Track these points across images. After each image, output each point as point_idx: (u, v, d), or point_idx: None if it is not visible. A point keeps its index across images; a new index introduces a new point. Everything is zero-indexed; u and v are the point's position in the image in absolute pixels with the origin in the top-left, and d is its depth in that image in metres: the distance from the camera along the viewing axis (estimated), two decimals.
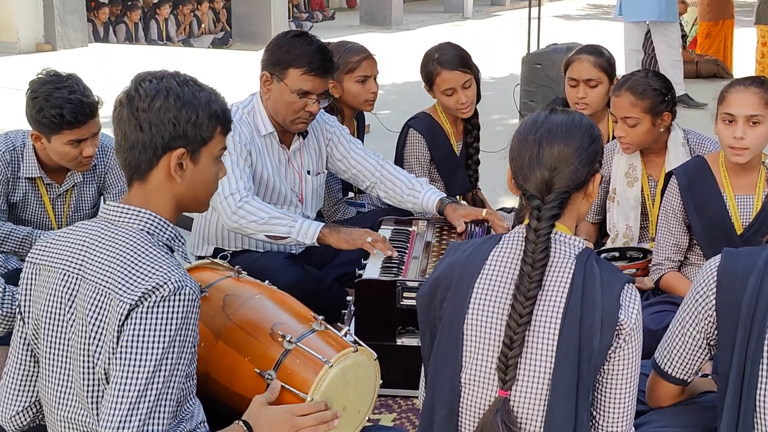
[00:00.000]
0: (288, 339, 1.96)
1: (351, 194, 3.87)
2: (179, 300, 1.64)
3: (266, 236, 2.91)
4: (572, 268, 1.76)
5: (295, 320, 2.06)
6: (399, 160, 3.71)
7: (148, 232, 1.73)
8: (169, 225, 1.77)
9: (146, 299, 1.63)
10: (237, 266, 2.34)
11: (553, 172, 1.77)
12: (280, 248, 3.16)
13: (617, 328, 1.73)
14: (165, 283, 1.64)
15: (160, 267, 1.67)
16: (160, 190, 1.77)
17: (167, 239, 1.76)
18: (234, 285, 2.19)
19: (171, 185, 1.78)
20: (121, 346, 1.63)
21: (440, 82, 3.58)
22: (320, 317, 2.09)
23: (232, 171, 2.93)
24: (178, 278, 1.65)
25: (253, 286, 2.22)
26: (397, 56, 10.03)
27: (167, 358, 1.62)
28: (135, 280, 1.65)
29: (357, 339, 2.04)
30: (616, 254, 3.15)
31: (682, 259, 2.97)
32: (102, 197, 3.35)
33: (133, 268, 1.66)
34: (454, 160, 3.77)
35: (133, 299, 1.63)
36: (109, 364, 1.64)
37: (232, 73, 8.88)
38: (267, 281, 2.36)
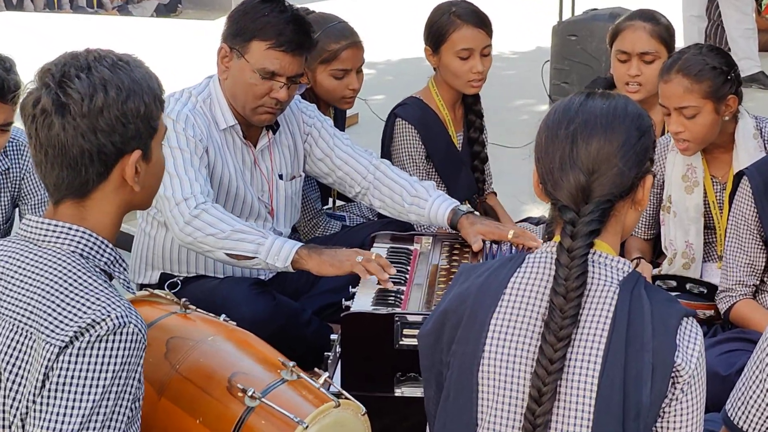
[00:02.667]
0: (250, 393, 1.96)
1: (329, 203, 3.90)
2: (120, 340, 1.66)
3: (227, 255, 2.92)
4: (615, 299, 1.77)
5: (260, 368, 2.07)
6: (385, 159, 3.70)
7: (81, 255, 1.75)
8: (107, 246, 1.79)
9: (79, 338, 1.65)
10: (184, 299, 2.34)
11: (592, 176, 1.77)
12: (245, 272, 3.17)
13: (673, 375, 1.74)
14: (103, 319, 1.66)
15: (98, 299, 1.68)
16: (102, 203, 1.80)
17: (105, 263, 1.78)
18: (180, 324, 2.20)
19: (120, 195, 1.80)
20: (44, 396, 1.64)
21: (456, 40, 3.61)
22: (291, 363, 2.08)
23: (185, 172, 2.96)
24: (120, 313, 1.67)
25: (206, 324, 2.23)
26: (392, 24, 10.04)
27: (98, 414, 1.63)
28: (66, 316, 1.66)
29: (341, 390, 2.06)
30: (673, 284, 3.16)
31: (758, 283, 2.98)
32: (17, 209, 3.35)
33: (62, 301, 1.68)
34: (455, 155, 3.79)
35: (63, 340, 1.65)
36: (26, 416, 1.65)
37: (182, 49, 8.90)
38: (223, 316, 2.36)
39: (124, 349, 1.67)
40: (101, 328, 1.65)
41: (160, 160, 1.88)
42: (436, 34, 3.64)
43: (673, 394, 1.75)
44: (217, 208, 2.95)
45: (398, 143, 3.68)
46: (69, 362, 1.65)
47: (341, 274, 2.89)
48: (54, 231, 1.76)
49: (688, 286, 3.15)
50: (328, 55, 3.59)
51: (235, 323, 2.40)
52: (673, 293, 3.10)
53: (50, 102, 1.75)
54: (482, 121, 3.84)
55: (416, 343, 2.01)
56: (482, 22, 3.62)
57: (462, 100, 3.81)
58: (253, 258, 2.90)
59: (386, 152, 3.72)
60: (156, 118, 1.82)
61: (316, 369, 2.26)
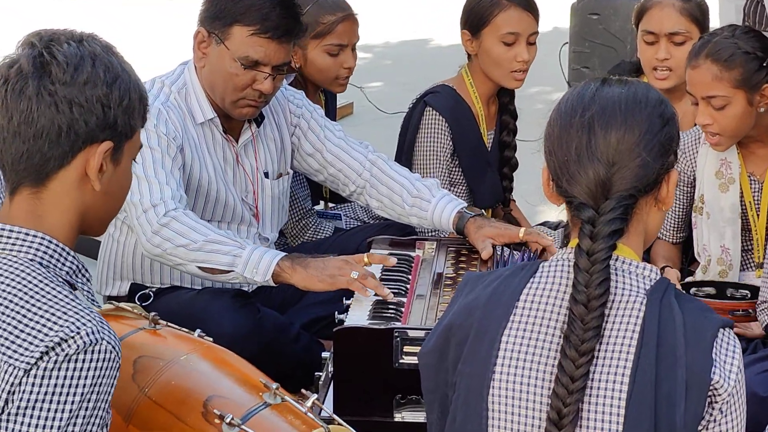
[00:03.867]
0: (228, 420, 1.95)
1: (321, 203, 3.91)
2: (92, 360, 1.67)
3: (199, 269, 2.92)
4: (642, 310, 1.76)
5: (240, 390, 2.06)
6: (405, 153, 3.73)
7: (41, 264, 1.75)
8: (68, 253, 1.79)
9: (44, 359, 1.65)
10: (153, 313, 2.34)
11: (612, 168, 1.78)
12: (225, 284, 3.15)
13: (710, 394, 1.74)
14: (72, 336, 1.66)
15: (65, 313, 1.69)
16: (61, 201, 1.79)
17: (67, 273, 1.78)
18: (149, 341, 2.20)
19: (80, 195, 1.79)
20: (2, 421, 1.65)
21: (501, 23, 3.61)
22: (275, 385, 2.07)
23: (155, 174, 2.95)
24: (91, 329, 1.68)
25: (179, 341, 2.23)
26: (390, 0, 10.08)
27: None
28: (30, 334, 1.67)
29: (332, 414, 2.07)
30: (712, 291, 3.14)
31: None
32: None
33: (25, 317, 1.68)
34: (483, 156, 3.79)
35: (28, 362, 1.65)
36: None
37: (152, 31, 8.89)
38: (198, 332, 2.36)
39: (96, 369, 1.67)
40: (69, 346, 1.66)
41: (128, 172, 1.87)
42: (477, 16, 3.64)
43: (711, 415, 1.75)
44: (189, 215, 2.94)
45: (425, 135, 3.70)
46: (33, 384, 1.65)
47: (332, 289, 2.88)
48: (9, 237, 1.75)
49: (728, 292, 3.14)
50: (322, 28, 3.60)
51: (211, 339, 2.39)
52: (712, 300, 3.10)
53: (30, 63, 1.74)
54: (515, 123, 3.85)
55: (418, 362, 2.01)
56: (530, 6, 3.63)
57: (497, 97, 3.82)
58: (229, 272, 2.89)
59: (407, 144, 3.73)
60: (136, 119, 1.83)
61: (303, 391, 2.26)
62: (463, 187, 3.73)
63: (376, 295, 2.83)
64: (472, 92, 3.74)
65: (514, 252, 3.08)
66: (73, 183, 1.78)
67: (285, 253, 2.92)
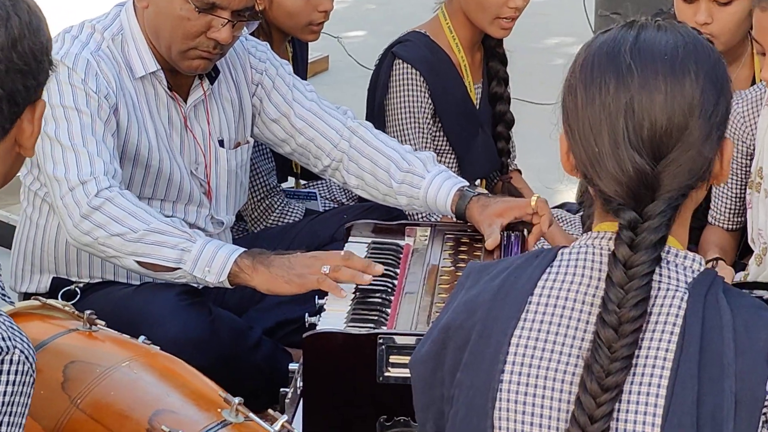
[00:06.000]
0: None
1: (289, 179, 3.93)
2: (2, 371, 1.67)
3: (138, 263, 2.95)
4: (683, 308, 1.77)
5: (192, 406, 2.08)
6: (375, 119, 3.73)
7: None
8: None
9: None
10: (89, 311, 2.35)
11: (660, 163, 1.75)
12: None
13: (765, 411, 1.74)
14: None
15: None
16: None
17: None
18: (83, 345, 2.23)
19: (6, 163, 1.82)
20: None
21: None
22: (236, 399, 2.09)
23: (83, 143, 2.96)
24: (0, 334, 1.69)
25: (119, 346, 2.27)
26: None
27: None
28: None
29: None
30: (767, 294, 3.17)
31: None
32: None
33: None
34: (472, 115, 3.81)
35: None
36: None
37: None
38: (142, 337, 2.38)
39: (6, 384, 1.67)
40: None
41: (39, 125, 1.89)
42: None
43: None
44: (127, 196, 2.95)
45: (396, 94, 3.73)
46: None
47: (301, 291, 2.91)
48: None
49: None
50: None
51: (158, 347, 2.40)
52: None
53: None
54: (506, 70, 3.87)
55: (408, 374, 2.00)
56: None
57: (482, 42, 3.85)
58: (176, 269, 2.94)
59: (376, 108, 3.75)
60: (50, 63, 1.85)
61: (270, 411, 2.28)
62: (451, 156, 3.76)
63: (356, 290, 2.84)
64: (451, 38, 3.77)
65: (511, 233, 3.09)
66: (2, 155, 1.82)
67: (243, 249, 2.95)
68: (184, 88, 3.23)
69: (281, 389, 2.78)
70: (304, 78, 3.85)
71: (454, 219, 3.23)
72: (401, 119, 3.71)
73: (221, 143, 3.30)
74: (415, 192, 3.25)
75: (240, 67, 3.35)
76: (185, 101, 3.23)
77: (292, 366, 2.81)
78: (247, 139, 3.38)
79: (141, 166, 3.15)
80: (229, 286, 2.94)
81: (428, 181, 3.23)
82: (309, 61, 4.28)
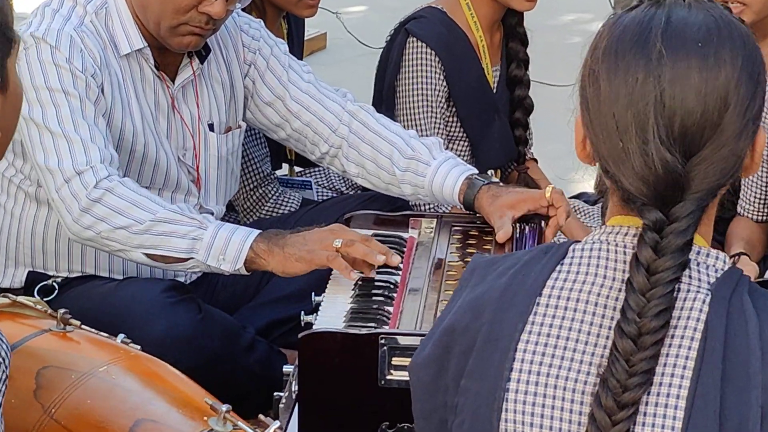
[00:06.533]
0: None
1: (284, 167, 3.95)
2: None
3: (147, 256, 2.95)
4: (704, 311, 1.76)
5: (176, 413, 2.10)
6: (384, 101, 3.76)
7: None
8: None
9: None
10: (62, 309, 2.35)
11: (692, 161, 1.73)
12: (156, 272, 3.18)
13: None
14: None
15: None
16: None
17: None
18: (58, 347, 2.26)
19: None
20: None
21: None
22: (224, 407, 2.09)
23: (74, 128, 2.97)
24: None
25: (97, 348, 2.30)
26: None
27: None
28: None
29: None
30: None
31: None
32: None
33: None
34: (489, 100, 3.82)
35: None
36: None
37: None
38: (122, 336, 2.38)
39: None
40: None
41: (17, 90, 1.85)
42: None
43: None
44: (128, 185, 2.98)
45: (407, 74, 3.74)
46: None
47: (312, 269, 2.92)
48: None
49: None
50: None
51: (139, 347, 2.40)
52: None
53: None
54: (526, 51, 3.88)
55: (408, 377, 1.99)
56: None
57: (501, 22, 3.84)
58: (188, 259, 2.95)
59: (385, 88, 3.77)
60: (11, 23, 1.81)
61: (261, 416, 2.26)
62: (464, 143, 3.77)
63: (357, 283, 2.85)
64: (469, 16, 3.76)
65: (526, 226, 3.09)
66: None
67: (258, 231, 2.97)
68: (172, 67, 3.23)
69: (275, 393, 2.77)
70: (300, 57, 3.86)
71: (463, 210, 3.23)
72: (412, 102, 3.73)
73: (211, 127, 3.31)
74: (420, 180, 3.25)
75: (231, 46, 3.35)
76: (173, 81, 3.23)
77: (287, 368, 2.80)
78: (239, 124, 3.39)
79: (125, 150, 3.15)
80: (246, 273, 2.96)
81: (434, 168, 3.23)
82: (305, 38, 4.30)
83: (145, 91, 3.19)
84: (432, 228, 3.17)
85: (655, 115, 1.73)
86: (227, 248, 2.91)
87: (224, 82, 3.34)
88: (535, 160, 4.12)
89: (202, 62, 3.25)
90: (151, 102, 3.20)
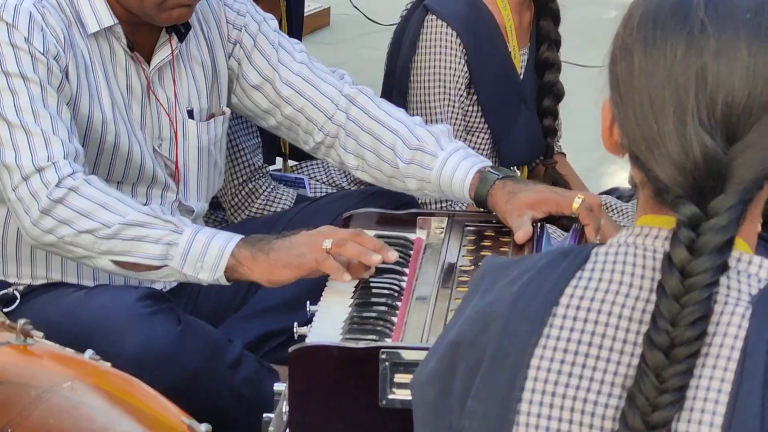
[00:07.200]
0: None
1: (278, 160, 3.99)
2: None
3: (114, 263, 2.97)
4: (744, 326, 1.72)
5: None
6: (397, 85, 3.78)
7: None
8: None
9: None
10: (23, 320, 2.37)
11: (735, 147, 1.70)
12: (130, 279, 3.18)
13: None
14: None
15: None
16: None
17: None
18: (16, 361, 2.28)
19: None
20: None
21: None
22: (203, 428, 2.15)
23: (34, 119, 2.97)
24: None
25: (60, 363, 2.31)
26: None
27: None
28: None
29: None
30: None
31: None
32: None
33: None
34: (515, 87, 3.84)
35: None
36: None
37: None
38: (90, 351, 2.40)
39: None
40: None
41: None
42: None
43: None
44: (94, 183, 2.97)
45: (424, 56, 3.75)
46: None
47: (302, 275, 2.93)
48: None
49: None
50: None
51: (109, 364, 2.42)
52: None
53: None
54: (557, 31, 3.90)
55: (410, 396, 2.00)
56: None
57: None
58: (161, 267, 2.96)
59: (398, 70, 3.78)
60: None
61: None
62: (485, 136, 3.78)
63: (358, 286, 2.87)
64: None
65: (557, 233, 3.12)
66: None
67: (241, 237, 2.97)
68: (147, 47, 3.22)
69: (264, 415, 2.77)
70: (300, 36, 3.91)
71: (475, 207, 3.22)
72: (427, 87, 3.75)
73: (190, 114, 3.31)
74: (426, 174, 3.24)
75: (214, 23, 3.35)
76: (148, 63, 3.22)
77: (278, 387, 2.78)
78: (223, 110, 3.39)
79: (93, 142, 3.14)
80: (226, 283, 2.98)
81: (442, 160, 3.22)
82: (306, 13, 4.41)
83: (116, 75, 3.18)
84: (442, 228, 3.18)
85: (696, 94, 1.71)
86: (205, 255, 2.92)
87: (205, 63, 3.34)
88: (563, 154, 4.15)
89: (180, 40, 3.24)
90: (123, 87, 3.19)
